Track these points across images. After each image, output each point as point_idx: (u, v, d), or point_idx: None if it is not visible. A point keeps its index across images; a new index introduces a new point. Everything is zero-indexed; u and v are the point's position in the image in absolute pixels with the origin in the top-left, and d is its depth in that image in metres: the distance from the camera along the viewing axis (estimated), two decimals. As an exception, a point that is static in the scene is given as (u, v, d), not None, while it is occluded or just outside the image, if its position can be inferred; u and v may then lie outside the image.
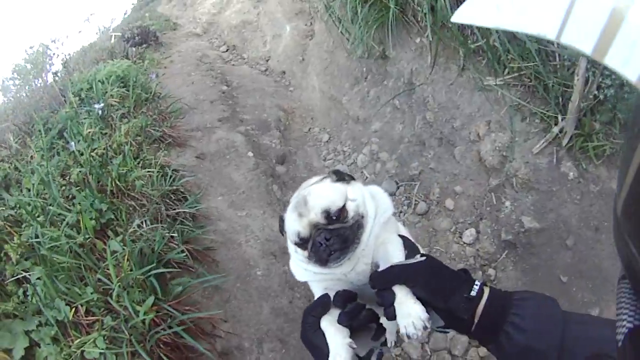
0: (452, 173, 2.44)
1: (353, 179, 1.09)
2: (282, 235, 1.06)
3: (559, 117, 2.13)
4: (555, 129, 2.14)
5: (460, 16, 0.48)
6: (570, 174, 2.08)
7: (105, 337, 1.73)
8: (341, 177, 1.05)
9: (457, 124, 2.47)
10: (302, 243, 0.96)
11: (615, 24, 0.40)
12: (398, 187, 2.55)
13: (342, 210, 0.96)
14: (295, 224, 0.97)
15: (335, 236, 0.95)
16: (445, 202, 2.36)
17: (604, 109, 2.02)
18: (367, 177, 2.80)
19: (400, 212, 2.44)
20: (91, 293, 1.84)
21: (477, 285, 0.84)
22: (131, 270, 1.90)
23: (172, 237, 2.22)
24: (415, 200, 2.44)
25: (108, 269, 1.91)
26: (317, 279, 1.02)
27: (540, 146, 2.19)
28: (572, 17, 0.43)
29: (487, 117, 2.35)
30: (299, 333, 2.09)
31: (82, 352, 1.73)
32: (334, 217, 0.96)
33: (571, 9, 0.43)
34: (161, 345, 1.82)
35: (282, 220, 1.04)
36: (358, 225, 0.98)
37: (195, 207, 2.40)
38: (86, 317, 1.79)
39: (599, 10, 0.41)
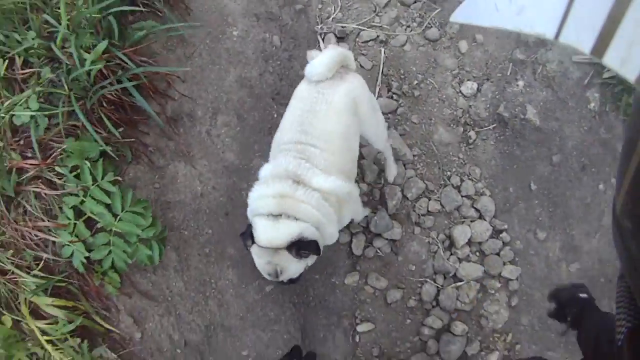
0: (480, 20, 2.07)
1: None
2: None
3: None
4: (607, 74, 1.99)
5: (459, 16, 0.48)
6: (592, 105, 1.99)
7: (41, 94, 1.41)
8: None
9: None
10: None
11: (614, 24, 0.39)
12: (415, 1, 2.10)
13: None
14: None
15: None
16: (459, 43, 2.06)
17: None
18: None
19: (408, 26, 2.07)
20: (32, 38, 1.34)
21: None
22: (86, 6, 1.34)
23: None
24: (429, 24, 2.07)
25: (59, 8, 1.32)
26: None
27: (581, 59, 2.02)
28: (571, 18, 0.42)
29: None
30: (259, 113, 1.86)
31: (12, 117, 1.40)
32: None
33: (569, 9, 0.42)
34: (104, 104, 1.51)
35: None
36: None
37: None
38: (22, 70, 1.32)
39: (597, 10, 0.40)
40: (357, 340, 1.90)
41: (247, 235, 1.30)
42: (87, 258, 1.44)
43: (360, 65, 2.01)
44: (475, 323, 1.94)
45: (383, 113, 1.80)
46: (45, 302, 1.48)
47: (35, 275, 1.49)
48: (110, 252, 1.43)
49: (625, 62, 0.39)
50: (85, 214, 1.44)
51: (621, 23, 0.39)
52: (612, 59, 0.40)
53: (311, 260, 1.35)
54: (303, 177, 1.29)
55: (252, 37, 1.89)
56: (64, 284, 1.52)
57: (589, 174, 2.00)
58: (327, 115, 1.35)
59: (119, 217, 1.42)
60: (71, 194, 1.39)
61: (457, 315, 1.93)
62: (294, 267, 1.32)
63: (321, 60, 1.37)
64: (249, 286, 1.76)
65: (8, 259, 1.49)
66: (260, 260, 1.32)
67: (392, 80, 2.01)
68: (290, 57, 1.99)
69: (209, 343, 1.73)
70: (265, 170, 1.37)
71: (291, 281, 1.37)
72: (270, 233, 1.26)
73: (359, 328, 1.90)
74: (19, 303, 1.52)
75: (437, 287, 1.91)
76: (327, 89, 1.37)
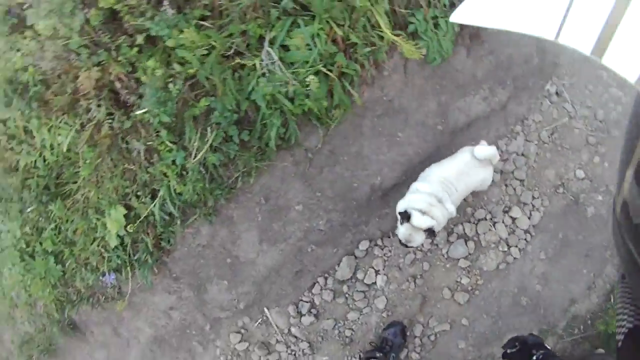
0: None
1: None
2: None
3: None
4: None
5: (458, 16, 0.52)
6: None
7: None
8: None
9: None
10: None
11: (613, 25, 0.41)
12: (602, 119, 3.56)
13: None
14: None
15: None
16: (594, 158, 3.44)
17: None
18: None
19: (582, 118, 3.51)
20: None
21: None
22: None
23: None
24: (591, 132, 3.51)
25: None
26: None
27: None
28: (570, 18, 0.44)
29: None
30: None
31: None
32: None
33: (569, 9, 0.44)
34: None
35: None
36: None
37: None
38: None
39: (597, 11, 0.41)
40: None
41: (405, 216, 2.32)
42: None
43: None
44: (476, 254, 3.10)
45: (542, 141, 3.24)
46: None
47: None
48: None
49: (625, 63, 0.40)
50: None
51: (620, 23, 0.40)
52: (611, 60, 0.41)
53: (429, 239, 2.59)
54: (443, 201, 2.49)
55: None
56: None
57: (587, 261, 3.15)
58: (471, 179, 2.63)
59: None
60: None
61: (476, 240, 3.11)
62: (420, 239, 2.37)
63: (488, 152, 2.51)
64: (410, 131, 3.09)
65: None
66: (406, 231, 2.34)
67: (549, 129, 3.39)
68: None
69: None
70: (421, 186, 2.47)
71: (409, 246, 2.48)
72: (420, 220, 2.30)
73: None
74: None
75: (485, 217, 3.13)
76: (479, 166, 2.54)
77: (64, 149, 2.90)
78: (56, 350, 3.83)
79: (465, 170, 2.57)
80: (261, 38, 2.69)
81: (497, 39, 3.28)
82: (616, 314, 0.67)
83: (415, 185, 2.57)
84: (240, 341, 3.22)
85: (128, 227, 2.82)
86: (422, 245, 2.99)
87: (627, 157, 0.45)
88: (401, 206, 2.48)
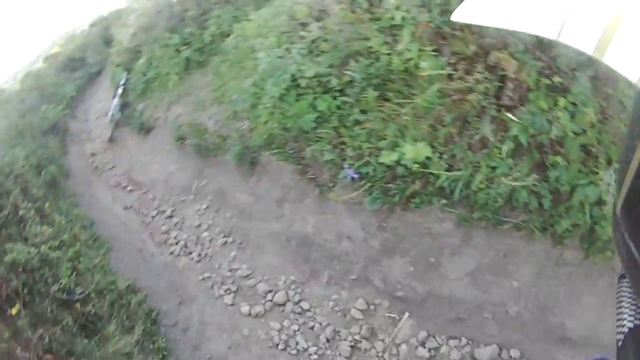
0: None
1: None
2: None
3: None
4: None
5: (460, 15, 0.51)
6: None
7: None
8: None
9: None
10: None
11: (615, 24, 0.41)
12: None
13: None
14: None
15: None
16: None
17: None
18: None
19: None
20: None
21: None
22: None
23: None
24: None
25: None
26: None
27: None
28: (572, 18, 0.44)
29: None
30: None
31: None
32: None
33: (571, 8, 0.44)
34: None
35: None
36: None
37: None
38: None
39: (598, 11, 0.42)
40: None
41: None
42: None
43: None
44: None
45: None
46: None
47: None
48: None
49: (626, 62, 0.40)
50: None
51: (621, 23, 0.40)
52: (613, 59, 0.41)
53: None
54: None
55: None
56: None
57: None
58: None
59: None
60: None
61: None
62: None
63: None
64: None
65: None
66: None
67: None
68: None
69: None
70: None
71: None
72: None
73: None
74: None
75: None
76: None
77: (422, 74, 3.20)
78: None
79: None
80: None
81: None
82: (616, 313, 0.67)
83: None
84: (360, 309, 3.25)
85: (415, 165, 3.02)
86: None
87: (627, 159, 0.47)
88: None
